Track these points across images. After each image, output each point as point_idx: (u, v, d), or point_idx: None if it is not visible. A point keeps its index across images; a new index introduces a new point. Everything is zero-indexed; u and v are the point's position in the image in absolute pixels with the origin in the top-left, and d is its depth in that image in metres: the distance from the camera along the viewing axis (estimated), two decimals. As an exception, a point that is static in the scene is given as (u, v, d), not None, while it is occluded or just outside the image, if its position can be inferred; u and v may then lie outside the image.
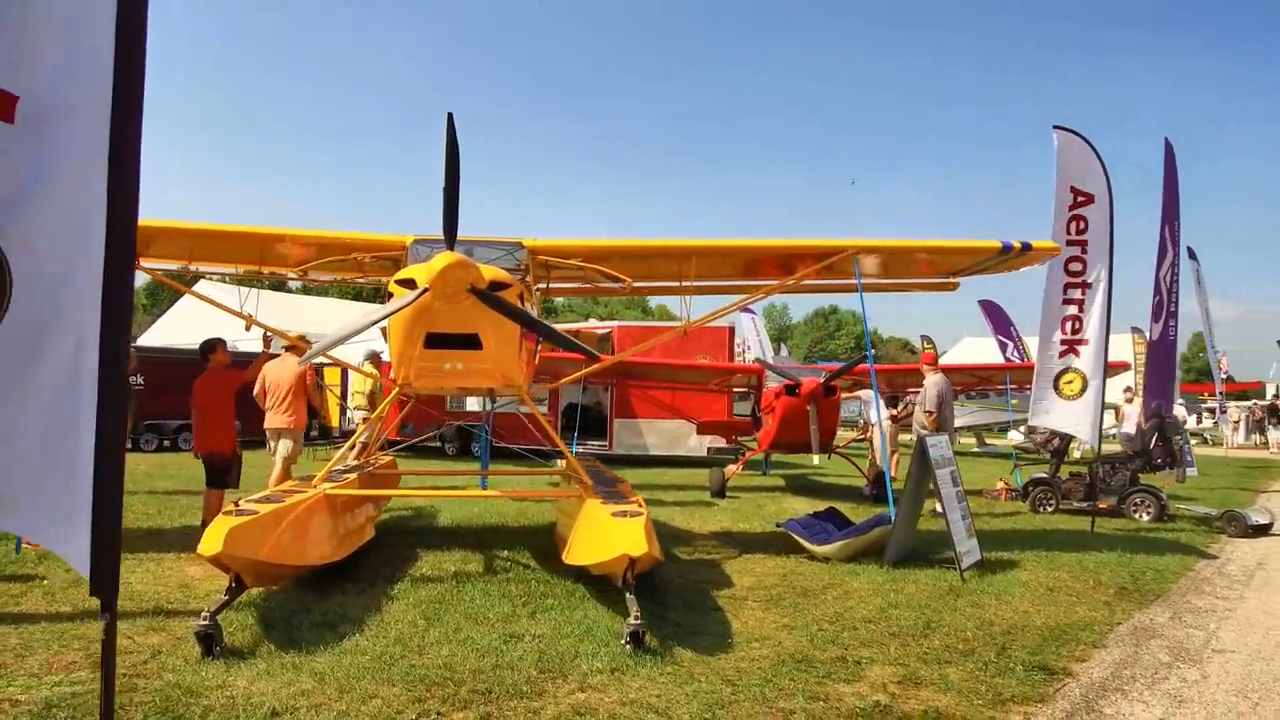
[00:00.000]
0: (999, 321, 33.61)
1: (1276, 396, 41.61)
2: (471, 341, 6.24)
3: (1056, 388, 10.42)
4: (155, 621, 5.60)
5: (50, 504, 2.60)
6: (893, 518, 8.15)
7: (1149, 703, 4.81)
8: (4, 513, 2.71)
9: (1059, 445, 13.78)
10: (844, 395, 14.56)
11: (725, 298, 9.45)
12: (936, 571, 7.78)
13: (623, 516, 5.88)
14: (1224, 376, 34.86)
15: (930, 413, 11.38)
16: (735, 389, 19.22)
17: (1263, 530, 11.10)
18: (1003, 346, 33.03)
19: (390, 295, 6.27)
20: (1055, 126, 10.21)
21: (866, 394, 15.13)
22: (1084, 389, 10.44)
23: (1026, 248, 8.31)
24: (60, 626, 5.43)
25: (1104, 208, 10.28)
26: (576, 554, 6.23)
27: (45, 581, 6.56)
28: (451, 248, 5.98)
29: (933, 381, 11.73)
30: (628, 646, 5.13)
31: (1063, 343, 10.45)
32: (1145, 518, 11.93)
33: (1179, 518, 12.20)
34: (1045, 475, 13.35)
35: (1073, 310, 10.39)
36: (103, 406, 2.48)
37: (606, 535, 5.71)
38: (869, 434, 15.24)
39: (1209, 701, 4.86)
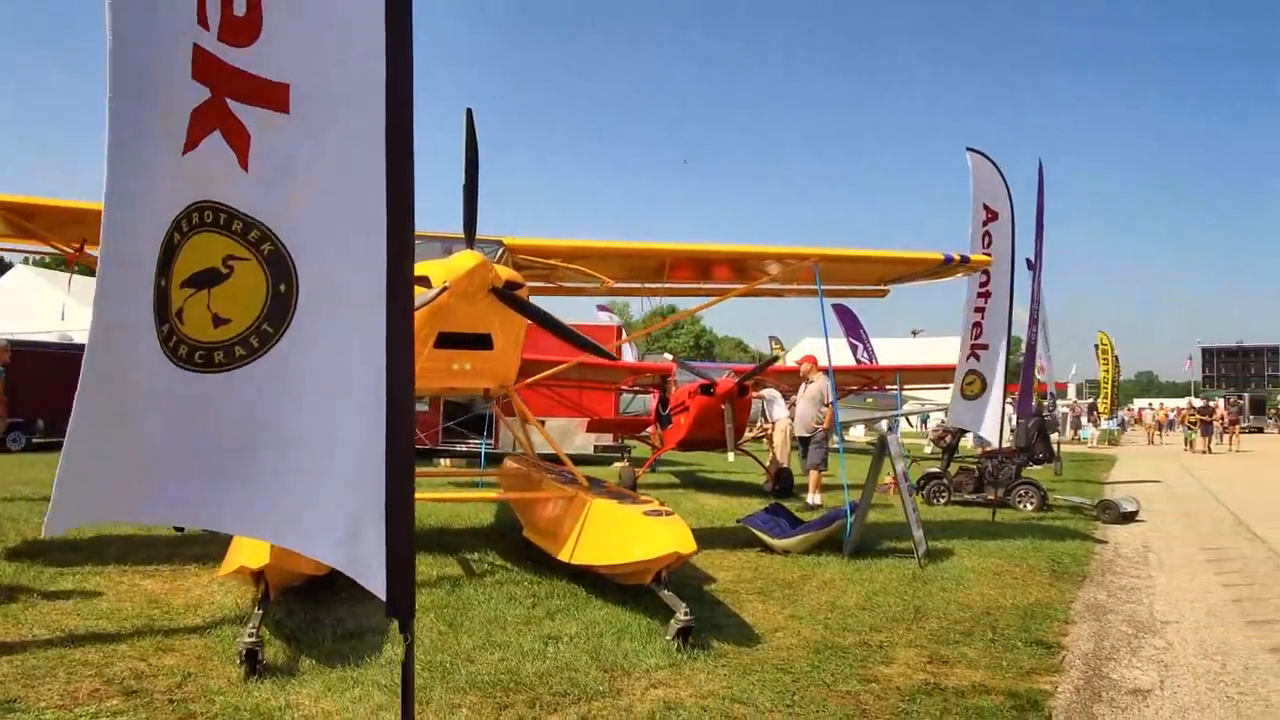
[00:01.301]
0: (850, 324, 35.49)
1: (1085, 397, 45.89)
2: (484, 341, 6.18)
3: (961, 390, 11.23)
4: (156, 641, 5.22)
5: (357, 534, 2.48)
6: (848, 512, 8.59)
7: (1142, 668, 5.37)
8: (304, 537, 2.57)
9: (950, 442, 14.80)
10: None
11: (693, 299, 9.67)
12: (894, 561, 8.28)
13: (657, 515, 5.97)
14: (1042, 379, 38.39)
15: (830, 405, 12.21)
16: (622, 388, 19.55)
17: (1131, 517, 12.36)
18: (854, 348, 34.95)
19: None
20: (969, 149, 11.01)
21: (769, 393, 15.71)
22: (983, 390, 11.29)
23: (965, 259, 8.98)
24: (55, 652, 4.98)
25: (1006, 224, 11.17)
26: (594, 554, 6.25)
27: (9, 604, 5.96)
28: (471, 246, 5.91)
29: (822, 380, 12.52)
30: (675, 642, 5.24)
31: (970, 346, 11.27)
32: (1029, 508, 13.04)
33: (1056, 507, 13.40)
34: (938, 470, 14.32)
35: (977, 317, 11.23)
36: (391, 420, 2.38)
37: (647, 534, 5.78)
38: (769, 431, 15.83)
39: (1186, 664, 5.47)
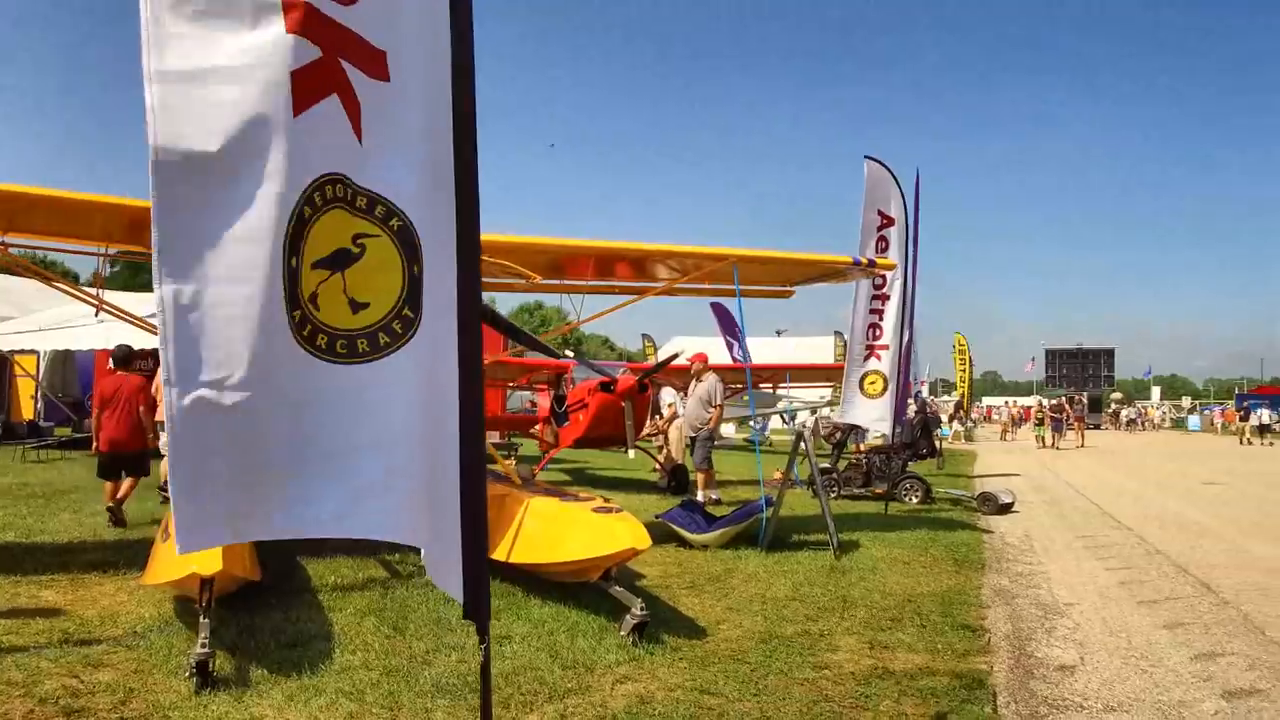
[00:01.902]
0: (727, 322, 36.30)
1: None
2: None
3: (861, 387, 11.71)
4: (80, 656, 4.86)
5: (438, 533, 2.38)
6: (764, 506, 8.82)
7: (1060, 647, 5.76)
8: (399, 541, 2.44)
9: (840, 439, 15.36)
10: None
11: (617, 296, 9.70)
12: (810, 553, 8.56)
13: (607, 512, 5.98)
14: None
15: (718, 407, 12.50)
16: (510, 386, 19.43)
17: (1008, 508, 13.15)
18: (729, 346, 35.78)
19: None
20: (866, 156, 11.50)
21: (667, 391, 15.91)
22: (885, 389, 11.81)
23: (872, 263, 9.38)
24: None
25: (902, 228, 11.71)
26: (538, 553, 6.20)
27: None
28: None
29: (714, 379, 12.81)
30: (630, 638, 5.28)
31: (866, 347, 11.75)
32: (914, 500, 13.69)
33: (938, 500, 14.13)
34: (828, 465, 14.84)
35: (874, 319, 11.73)
36: (463, 424, 2.29)
37: (600, 531, 5.77)
38: (665, 428, 16.03)
39: (1098, 642, 5.89)
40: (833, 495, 14.17)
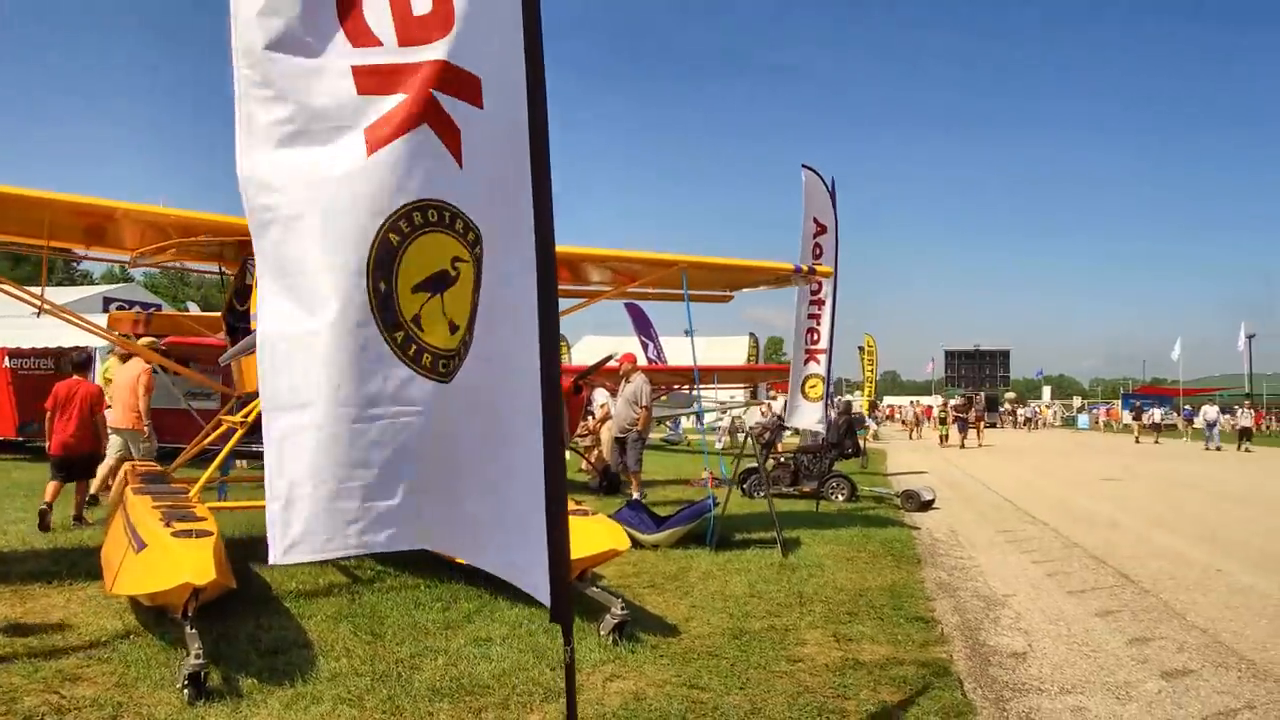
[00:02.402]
0: (641, 323, 36.65)
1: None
2: None
3: (803, 391, 12.08)
4: (53, 669, 4.72)
5: (523, 539, 2.45)
6: (712, 505, 9.05)
7: (1008, 636, 6.14)
8: (481, 549, 2.49)
9: (769, 438, 15.75)
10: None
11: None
12: (757, 551, 8.83)
13: (584, 514, 6.08)
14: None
15: (646, 408, 12.70)
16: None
17: (929, 505, 13.74)
18: (644, 346, 36.14)
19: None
20: (803, 165, 11.87)
21: (599, 393, 16.04)
22: (824, 391, 12.22)
23: (811, 270, 9.71)
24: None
25: (833, 235, 12.14)
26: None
27: None
28: None
29: (642, 379, 13.02)
30: (610, 637, 5.40)
31: (806, 351, 12.13)
32: (840, 498, 14.16)
33: (863, 498, 14.64)
34: (756, 465, 15.22)
35: (812, 324, 12.12)
36: (546, 438, 2.39)
37: (578, 532, 5.84)
38: (596, 429, 16.16)
39: (1040, 630, 6.29)
40: (760, 494, 14.56)
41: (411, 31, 2.38)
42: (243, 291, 7.60)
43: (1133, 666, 5.44)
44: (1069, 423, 66.54)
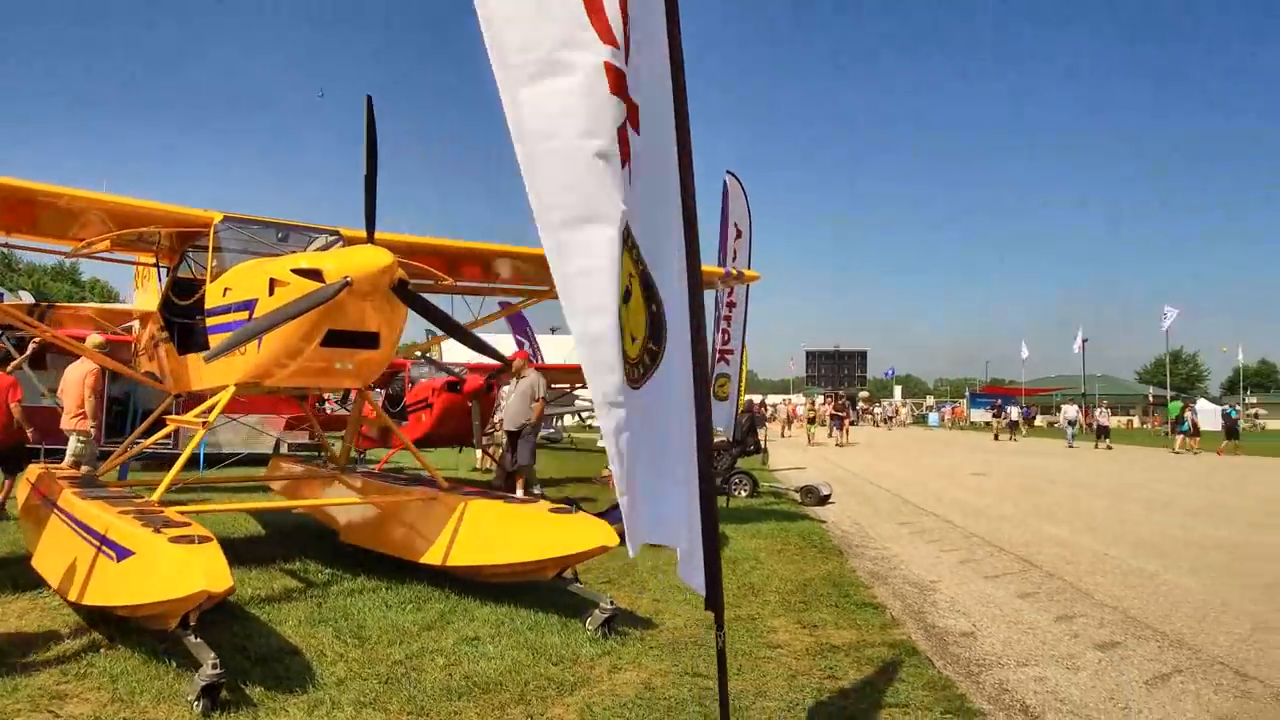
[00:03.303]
0: (517, 322, 36.58)
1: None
2: (372, 340, 5.95)
3: (714, 391, 12.47)
4: (33, 687, 4.48)
5: (684, 534, 2.56)
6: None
7: (952, 618, 6.64)
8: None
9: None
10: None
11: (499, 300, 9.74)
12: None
13: (566, 512, 6.17)
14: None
15: (540, 399, 12.74)
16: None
17: (826, 500, 14.43)
18: (519, 344, 36.08)
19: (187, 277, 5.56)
20: (728, 171, 12.27)
21: (506, 390, 15.96)
22: (731, 390, 12.65)
23: (740, 275, 10.09)
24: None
25: (747, 241, 12.60)
26: (487, 554, 6.28)
27: None
28: (371, 240, 5.73)
29: (536, 375, 13.11)
30: (599, 631, 5.55)
31: (717, 352, 12.53)
32: (744, 494, 14.68)
33: (763, 493, 15.22)
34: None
35: (725, 325, 12.53)
36: (700, 440, 2.53)
37: (562, 531, 5.96)
38: (502, 427, 16.10)
39: (978, 611, 6.82)
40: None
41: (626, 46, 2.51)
42: (185, 285, 7.30)
43: (1069, 641, 6.01)
44: (920, 421, 70.41)
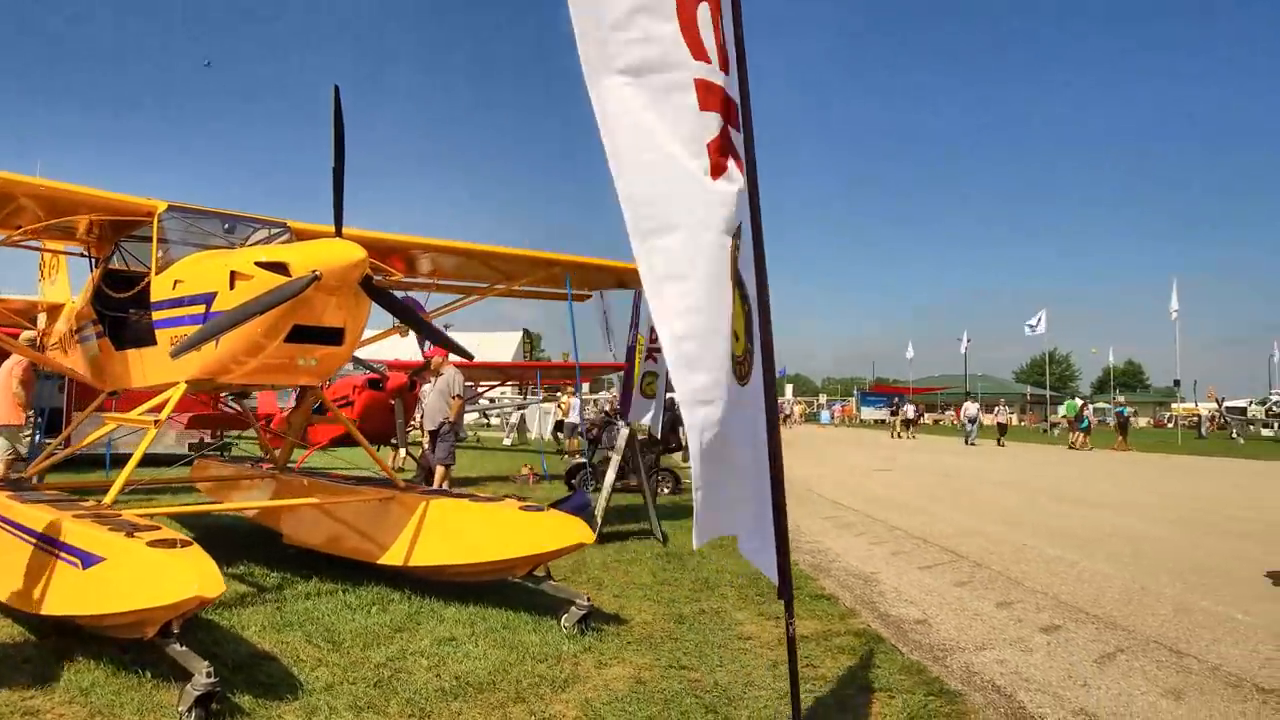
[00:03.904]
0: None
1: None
2: (336, 336, 5.80)
3: (640, 388, 12.56)
4: (8, 700, 4.22)
5: (760, 525, 2.62)
6: (589, 498, 9.32)
7: (902, 606, 6.92)
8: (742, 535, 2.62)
9: (597, 434, 16.14)
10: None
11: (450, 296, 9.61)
12: (638, 542, 9.22)
13: (535, 510, 6.16)
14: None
15: (458, 397, 12.70)
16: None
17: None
18: (422, 343, 35.52)
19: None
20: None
21: (427, 388, 15.72)
22: (657, 389, 12.75)
23: (679, 273, 10.25)
24: None
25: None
26: (455, 553, 6.21)
27: None
28: (339, 234, 5.60)
29: (454, 372, 13.03)
30: (575, 628, 5.57)
31: (649, 350, 12.61)
32: (666, 490, 14.88)
33: (685, 489, 15.44)
34: (585, 460, 15.58)
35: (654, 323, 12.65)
36: (771, 441, 2.61)
37: (536, 529, 5.94)
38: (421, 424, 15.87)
39: (924, 600, 7.13)
40: (590, 489, 14.96)
41: (722, 58, 2.58)
42: (119, 278, 6.94)
43: (1014, 625, 6.36)
44: (811, 419, 72.43)
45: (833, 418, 71.20)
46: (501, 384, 30.00)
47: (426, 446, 14.00)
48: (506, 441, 31.12)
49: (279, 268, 5.44)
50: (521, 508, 6.29)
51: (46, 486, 7.69)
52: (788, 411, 65.71)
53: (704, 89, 2.59)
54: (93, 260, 7.35)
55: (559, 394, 31.62)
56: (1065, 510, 13.73)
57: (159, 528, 4.74)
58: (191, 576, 4.11)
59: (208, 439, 19.55)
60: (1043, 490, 17.28)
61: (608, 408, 23.99)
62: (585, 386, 34.15)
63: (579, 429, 26.98)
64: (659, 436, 15.67)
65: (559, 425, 23.58)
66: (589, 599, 5.74)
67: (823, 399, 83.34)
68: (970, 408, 37.57)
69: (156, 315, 6.16)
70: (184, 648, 4.23)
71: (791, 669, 3.16)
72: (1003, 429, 37.00)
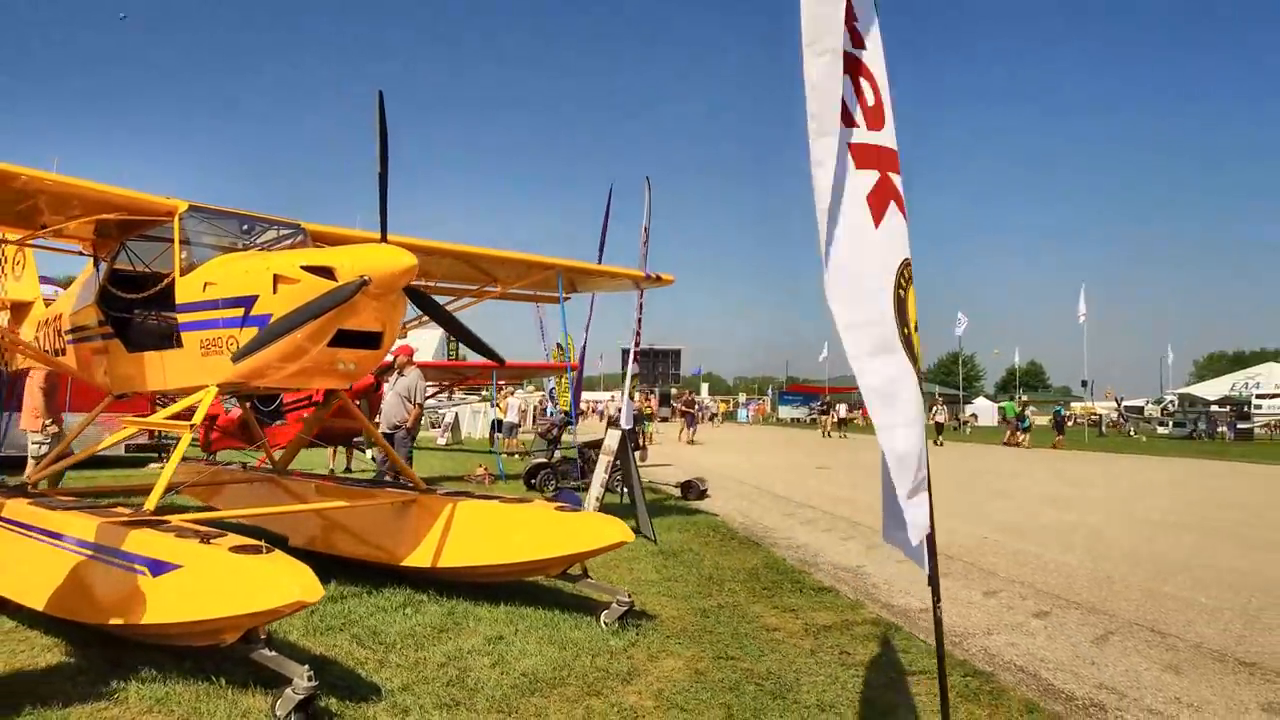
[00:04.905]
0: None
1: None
2: (375, 340, 5.87)
3: (629, 392, 12.79)
4: (74, 715, 4.20)
5: (911, 514, 2.93)
6: (579, 498, 9.51)
7: (899, 597, 7.35)
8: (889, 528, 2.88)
9: (555, 434, 16.28)
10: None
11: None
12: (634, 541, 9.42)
13: (571, 510, 6.35)
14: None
15: (419, 405, 12.64)
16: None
17: (705, 494, 15.09)
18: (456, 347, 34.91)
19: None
20: (648, 177, 12.71)
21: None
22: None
23: (658, 278, 10.53)
24: None
25: (647, 243, 13.02)
26: (487, 554, 6.33)
27: None
28: (384, 239, 5.71)
29: (417, 374, 12.98)
30: (616, 624, 5.79)
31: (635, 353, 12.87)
32: (627, 490, 15.11)
33: (645, 489, 15.68)
34: (545, 460, 15.71)
35: (637, 327, 12.91)
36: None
37: (575, 528, 6.11)
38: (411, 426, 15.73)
39: (915, 590, 7.55)
40: (551, 488, 15.09)
41: (871, 119, 2.93)
42: (126, 278, 6.83)
43: (1008, 612, 6.84)
44: (730, 417, 73.57)
45: (750, 417, 72.53)
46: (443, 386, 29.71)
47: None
48: (440, 441, 30.84)
49: (325, 272, 5.49)
50: (556, 508, 6.46)
51: (59, 492, 7.48)
52: (713, 410, 66.63)
53: (857, 150, 3.01)
54: (96, 260, 7.18)
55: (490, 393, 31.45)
56: (1012, 505, 14.54)
57: (224, 534, 4.76)
58: (291, 581, 4.18)
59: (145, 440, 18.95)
60: (985, 487, 18.16)
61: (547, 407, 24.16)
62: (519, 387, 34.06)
63: (517, 429, 26.98)
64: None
65: (496, 424, 23.53)
66: (629, 595, 5.96)
67: (742, 398, 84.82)
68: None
69: (184, 318, 6.10)
70: (274, 652, 4.29)
71: (940, 654, 3.53)
72: (939, 428, 37.87)
